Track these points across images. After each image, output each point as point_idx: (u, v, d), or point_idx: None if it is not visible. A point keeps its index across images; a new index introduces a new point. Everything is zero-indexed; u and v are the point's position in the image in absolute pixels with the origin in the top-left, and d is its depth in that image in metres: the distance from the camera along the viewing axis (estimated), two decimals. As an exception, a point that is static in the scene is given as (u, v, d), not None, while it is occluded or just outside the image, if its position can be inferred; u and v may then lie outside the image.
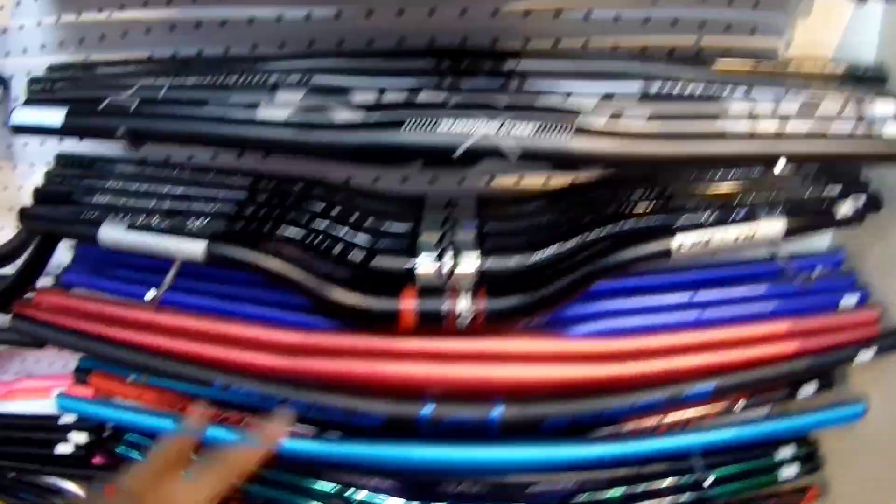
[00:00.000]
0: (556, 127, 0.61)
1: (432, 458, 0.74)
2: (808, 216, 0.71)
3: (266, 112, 0.64)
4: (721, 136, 0.64)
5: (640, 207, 0.71)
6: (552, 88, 0.66)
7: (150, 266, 0.80)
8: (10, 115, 0.67)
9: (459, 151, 0.60)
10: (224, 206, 0.72)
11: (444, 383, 0.72)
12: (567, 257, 0.68)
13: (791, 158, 0.64)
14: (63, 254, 0.84)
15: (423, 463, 0.75)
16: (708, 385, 0.72)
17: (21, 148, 0.84)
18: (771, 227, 0.69)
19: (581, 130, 0.61)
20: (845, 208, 0.72)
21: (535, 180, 0.80)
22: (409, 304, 0.68)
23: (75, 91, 0.70)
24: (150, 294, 0.70)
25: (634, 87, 0.67)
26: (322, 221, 0.70)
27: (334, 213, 0.71)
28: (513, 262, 0.68)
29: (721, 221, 0.69)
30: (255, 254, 0.67)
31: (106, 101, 0.66)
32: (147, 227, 0.69)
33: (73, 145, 0.79)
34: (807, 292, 0.78)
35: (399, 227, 0.72)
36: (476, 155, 0.61)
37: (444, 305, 0.68)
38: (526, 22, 0.74)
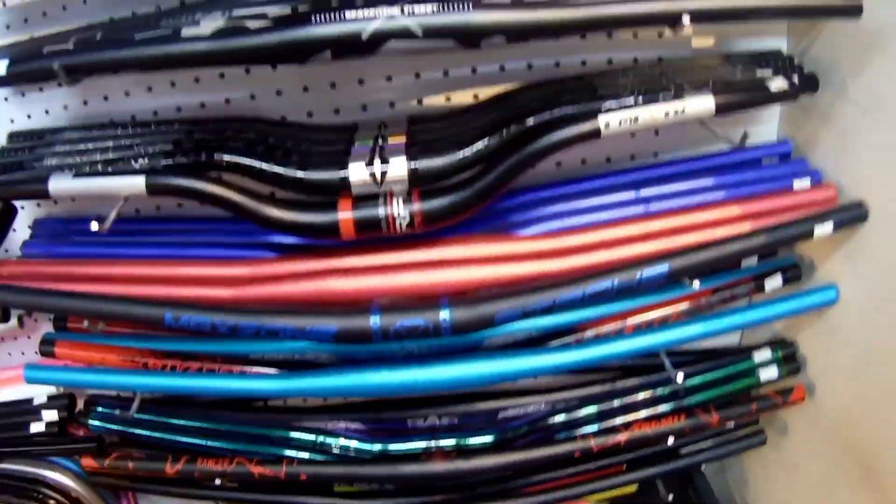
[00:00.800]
0: (456, 4, 0.62)
1: (389, 382, 0.73)
2: (739, 93, 0.70)
3: (189, 31, 0.66)
4: (625, -1, 0.64)
5: (566, 98, 0.70)
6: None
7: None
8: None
9: (367, 33, 0.62)
10: (164, 146, 0.73)
11: (392, 292, 0.70)
12: (496, 149, 0.68)
13: (696, 16, 0.64)
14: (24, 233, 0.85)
15: (381, 388, 0.73)
16: (661, 267, 0.69)
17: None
18: (700, 102, 0.68)
19: (481, 4, 0.63)
20: (778, 84, 0.71)
21: (463, 97, 0.80)
22: (346, 213, 0.68)
23: (19, 51, 0.73)
24: (95, 226, 0.70)
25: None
26: (258, 149, 0.71)
27: (270, 141, 0.72)
28: (441, 160, 0.68)
29: (649, 101, 0.68)
30: (195, 181, 0.68)
31: (46, 49, 0.69)
32: (91, 173, 0.70)
33: (21, 123, 0.82)
34: (758, 180, 0.77)
35: (332, 148, 0.72)
36: (383, 37, 0.62)
37: (381, 210, 0.68)
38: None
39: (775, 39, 0.80)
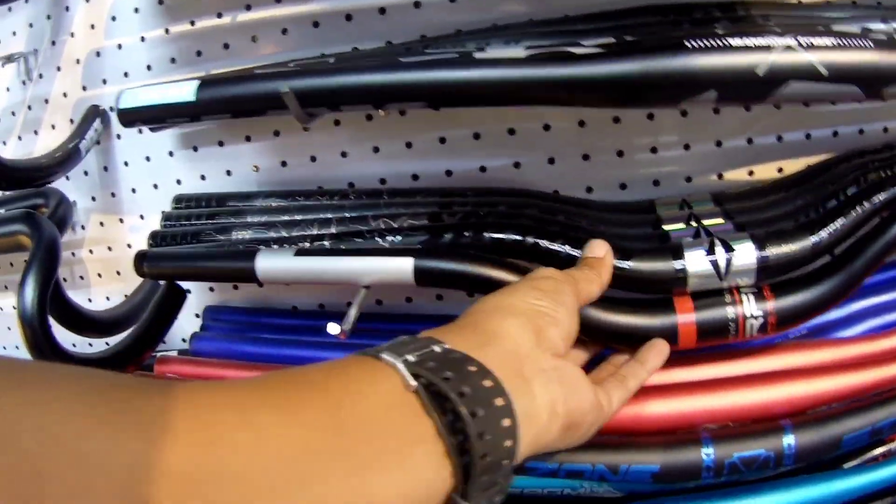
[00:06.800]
0: (853, 41, 0.43)
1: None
2: None
3: (487, 54, 0.43)
4: None
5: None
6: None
7: (293, 325, 0.57)
8: (117, 99, 0.45)
9: (764, 68, 0.41)
10: (413, 221, 0.49)
11: (724, 415, 0.48)
12: (849, 232, 0.48)
13: None
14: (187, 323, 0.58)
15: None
16: None
17: (129, 196, 0.60)
18: None
19: (882, 43, 0.43)
20: None
21: (767, 171, 0.59)
22: (687, 315, 0.46)
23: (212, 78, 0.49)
24: (334, 328, 0.45)
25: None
26: (549, 229, 0.48)
27: (560, 219, 0.50)
28: (795, 246, 0.47)
29: None
30: (471, 265, 0.45)
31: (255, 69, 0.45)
32: (326, 251, 0.46)
33: (192, 185, 0.56)
34: None
35: (637, 231, 0.51)
36: (783, 75, 0.42)
37: (730, 311, 0.46)
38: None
39: None
